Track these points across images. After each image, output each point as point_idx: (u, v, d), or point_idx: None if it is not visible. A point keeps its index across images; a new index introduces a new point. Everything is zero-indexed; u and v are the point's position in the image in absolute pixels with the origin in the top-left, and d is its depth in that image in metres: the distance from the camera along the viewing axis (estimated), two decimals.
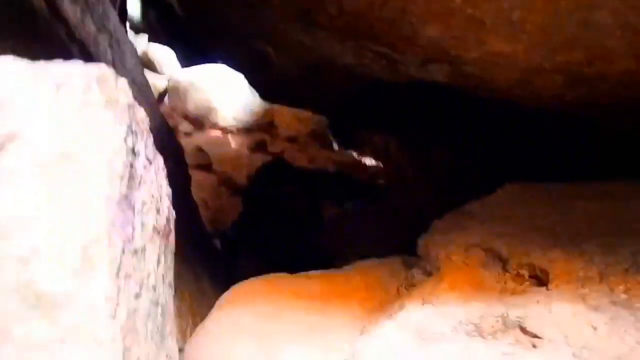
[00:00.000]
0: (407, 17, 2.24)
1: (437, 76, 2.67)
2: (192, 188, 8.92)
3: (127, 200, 0.99)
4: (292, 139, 10.92)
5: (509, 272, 2.01)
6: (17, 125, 0.88)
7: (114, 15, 3.79)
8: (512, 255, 2.07)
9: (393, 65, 2.73)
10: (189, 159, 9.05)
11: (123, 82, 1.13)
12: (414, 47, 2.43)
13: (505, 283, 1.94)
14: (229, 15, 3.34)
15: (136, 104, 1.16)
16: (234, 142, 9.94)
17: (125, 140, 1.03)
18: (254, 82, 4.57)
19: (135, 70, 3.85)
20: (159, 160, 1.31)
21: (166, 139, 3.91)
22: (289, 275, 2.43)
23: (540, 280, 1.94)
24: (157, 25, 9.68)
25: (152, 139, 1.24)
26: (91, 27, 3.09)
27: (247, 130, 10.27)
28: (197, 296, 3.11)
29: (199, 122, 9.73)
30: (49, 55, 2.31)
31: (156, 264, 1.20)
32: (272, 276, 2.42)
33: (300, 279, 2.35)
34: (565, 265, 1.92)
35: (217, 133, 9.77)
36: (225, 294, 2.31)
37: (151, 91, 4.07)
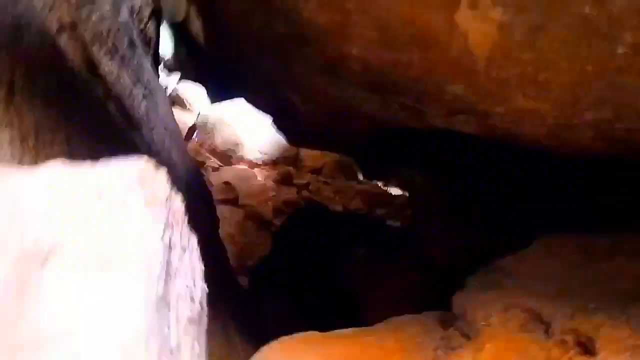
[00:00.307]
0: (431, 76, 2.23)
1: (463, 127, 2.63)
2: (219, 223, 8.97)
3: (163, 299, 0.98)
4: (317, 171, 10.93)
5: (553, 338, 1.90)
6: (59, 237, 0.89)
7: (147, 65, 3.90)
8: (554, 318, 1.97)
9: (419, 115, 2.70)
10: (216, 194, 9.18)
11: (162, 175, 1.13)
12: (439, 101, 2.41)
13: (549, 351, 1.84)
14: (259, 64, 3.39)
15: (172, 193, 1.15)
16: (260, 175, 9.99)
17: (162, 238, 1.02)
18: (281, 127, 4.61)
19: (167, 116, 3.93)
20: (193, 241, 1.29)
21: (195, 182, 3.95)
22: (320, 335, 2.36)
23: (587, 348, 1.83)
24: (187, 62, 9.92)
25: (186, 224, 1.23)
26: (127, 81, 3.17)
27: (273, 163, 10.33)
28: (226, 350, 3.07)
29: (227, 156, 9.83)
30: (87, 116, 2.37)
31: (190, 352, 1.17)
32: (302, 336, 2.35)
33: (331, 340, 2.28)
34: (612, 332, 1.81)
35: (243, 167, 9.85)
36: (256, 357, 2.26)
37: (181, 135, 4.14)
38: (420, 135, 3.30)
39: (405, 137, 3.46)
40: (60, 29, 2.30)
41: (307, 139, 4.36)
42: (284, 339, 2.28)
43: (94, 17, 2.82)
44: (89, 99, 2.42)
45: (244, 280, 7.03)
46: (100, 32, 2.87)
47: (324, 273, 4.48)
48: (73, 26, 2.44)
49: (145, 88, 3.61)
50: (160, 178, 1.11)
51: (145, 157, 1.14)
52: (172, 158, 3.63)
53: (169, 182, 1.15)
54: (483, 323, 2.06)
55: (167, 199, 1.10)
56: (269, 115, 4.58)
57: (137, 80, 3.44)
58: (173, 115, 4.17)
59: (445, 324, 2.31)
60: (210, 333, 3.18)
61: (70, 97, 2.22)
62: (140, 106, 3.27)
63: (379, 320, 3.94)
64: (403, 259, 4.29)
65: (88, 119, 2.27)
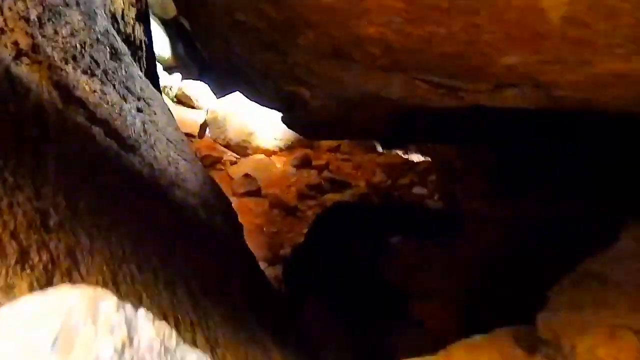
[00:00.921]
0: (477, 47, 1.77)
1: (513, 101, 2.16)
2: (245, 215, 8.71)
3: None
4: (334, 149, 10.56)
5: None
6: None
7: (138, 73, 3.49)
8: None
9: (454, 93, 2.25)
10: (238, 187, 8.90)
11: (128, 309, 0.74)
12: (485, 76, 1.95)
13: None
14: (252, 59, 2.95)
15: (134, 317, 0.77)
16: (278, 162, 9.67)
17: None
18: (290, 122, 4.16)
19: (168, 126, 3.54)
20: None
21: (210, 195, 3.57)
22: None
23: None
24: (187, 60, 9.52)
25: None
26: (114, 98, 2.78)
27: (289, 148, 9.99)
28: None
29: (242, 147, 9.49)
30: (66, 155, 1.99)
31: None
32: None
33: None
34: None
35: (261, 156, 9.51)
36: None
37: (187, 144, 3.75)
38: (451, 114, 2.86)
39: (433, 118, 3.01)
40: (18, 54, 1.91)
41: (322, 132, 3.93)
42: None
43: (62, 32, 2.41)
44: (67, 132, 2.04)
45: (278, 270, 6.78)
46: (74, 48, 2.47)
47: (362, 266, 4.12)
48: (35, 48, 2.04)
49: (139, 99, 3.21)
50: (115, 311, 0.72)
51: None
52: (181, 173, 3.25)
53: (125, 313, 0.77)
54: (589, 358, 1.60)
55: (127, 327, 0.71)
56: (277, 110, 4.15)
57: (128, 93, 3.05)
58: (175, 122, 3.77)
59: (528, 347, 1.88)
60: (252, 357, 2.85)
61: (40, 138, 1.84)
62: (134, 123, 2.88)
63: (429, 317, 3.57)
64: (446, 244, 3.87)
65: (66, 158, 1.89)
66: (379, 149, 11.01)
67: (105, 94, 2.70)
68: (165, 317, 1.88)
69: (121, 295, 1.69)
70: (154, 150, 3.01)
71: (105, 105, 2.64)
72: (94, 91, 2.58)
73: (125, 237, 1.99)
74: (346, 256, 4.14)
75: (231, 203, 3.88)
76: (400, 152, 11.17)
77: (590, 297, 1.82)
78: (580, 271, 1.95)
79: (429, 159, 9.88)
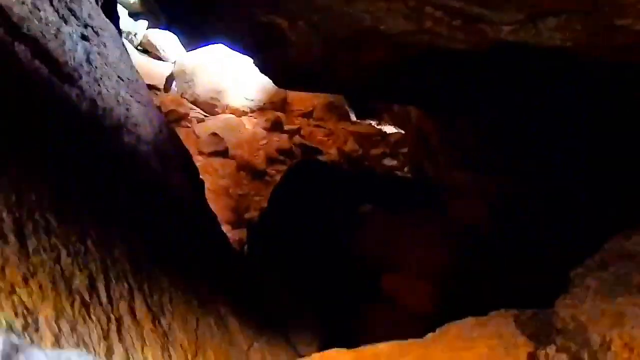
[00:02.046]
0: None
1: (549, 37, 1.75)
2: (210, 176, 8.25)
3: None
4: (307, 114, 10.14)
5: None
6: None
7: None
8: None
9: (473, 26, 1.84)
10: (204, 146, 8.38)
11: None
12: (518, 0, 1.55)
13: None
14: None
15: None
16: (248, 123, 9.18)
17: None
18: (264, 65, 3.64)
19: (120, 63, 3.04)
20: None
21: (168, 145, 3.13)
22: (352, 353, 1.63)
23: None
24: (155, 6, 8.77)
25: None
26: (50, 16, 2.29)
27: (260, 109, 9.49)
28: (225, 345, 2.40)
29: (210, 105, 8.94)
30: None
31: None
32: (328, 355, 1.63)
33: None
34: None
35: (230, 115, 8.99)
36: None
37: (144, 87, 3.26)
38: (444, 62, 2.46)
39: (426, 72, 2.60)
40: None
41: (297, 80, 3.46)
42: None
43: None
44: None
45: (243, 233, 6.42)
46: None
47: (329, 235, 3.77)
48: None
49: (86, 27, 2.71)
50: None
51: None
52: (133, 116, 2.79)
53: None
54: (628, 356, 1.29)
55: None
56: (248, 53, 3.65)
57: (70, 15, 2.54)
58: (130, 60, 3.27)
59: (535, 337, 1.54)
60: (205, 326, 2.49)
61: None
62: (75, 50, 2.39)
63: (401, 292, 3.27)
64: (421, 217, 3.54)
65: None
66: (353, 117, 10.68)
67: (38, 8, 2.20)
68: (91, 278, 1.49)
69: (27, 251, 1.28)
70: (99, 85, 2.54)
71: (37, 22, 2.14)
72: (22, 2, 2.08)
73: (43, 181, 1.56)
74: (314, 222, 3.80)
75: (191, 157, 3.45)
76: (373, 123, 10.87)
77: (627, 282, 1.48)
78: (611, 250, 1.60)
79: (402, 131, 9.66)
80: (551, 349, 1.49)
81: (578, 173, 2.98)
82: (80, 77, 2.33)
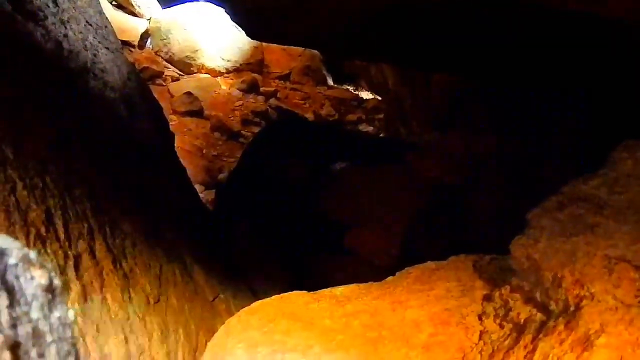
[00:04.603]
0: None
1: None
2: (184, 136, 8.09)
3: None
4: (284, 77, 9.99)
5: None
6: None
7: None
8: None
9: None
10: (178, 105, 8.21)
11: None
12: None
13: None
14: None
15: None
16: (224, 83, 8.99)
17: None
18: (236, 15, 3.49)
19: (89, 9, 2.91)
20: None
21: (136, 94, 3.04)
22: (310, 295, 1.64)
23: None
24: None
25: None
26: None
27: (236, 70, 9.29)
28: (189, 295, 2.41)
29: (186, 64, 8.70)
30: None
31: None
32: (287, 296, 1.64)
33: (326, 303, 1.56)
34: None
35: (205, 75, 8.77)
36: (222, 330, 1.56)
37: (114, 34, 3.14)
38: (414, 17, 2.42)
39: (393, 20, 2.55)
40: None
41: (271, 27, 3.31)
42: (266, 300, 1.58)
43: None
44: None
45: (212, 194, 6.36)
46: None
47: (299, 191, 3.78)
48: None
49: None
50: None
51: None
52: (100, 62, 2.69)
53: None
54: (578, 292, 1.30)
55: None
56: (222, 2, 3.49)
57: None
58: (100, 6, 3.13)
59: (492, 279, 1.56)
60: (169, 274, 2.49)
61: None
62: None
63: (364, 245, 3.32)
64: (388, 173, 3.56)
65: None
66: (330, 82, 10.56)
67: None
68: (48, 214, 1.47)
69: None
70: (65, 27, 2.43)
71: None
72: None
73: (1, 113, 1.51)
74: (283, 179, 3.79)
75: (162, 109, 3.37)
76: (350, 88, 10.78)
77: (581, 223, 1.48)
78: (568, 193, 1.60)
79: (379, 98, 9.62)
80: (506, 289, 1.53)
81: (542, 139, 3.04)
82: (46, 17, 2.23)
